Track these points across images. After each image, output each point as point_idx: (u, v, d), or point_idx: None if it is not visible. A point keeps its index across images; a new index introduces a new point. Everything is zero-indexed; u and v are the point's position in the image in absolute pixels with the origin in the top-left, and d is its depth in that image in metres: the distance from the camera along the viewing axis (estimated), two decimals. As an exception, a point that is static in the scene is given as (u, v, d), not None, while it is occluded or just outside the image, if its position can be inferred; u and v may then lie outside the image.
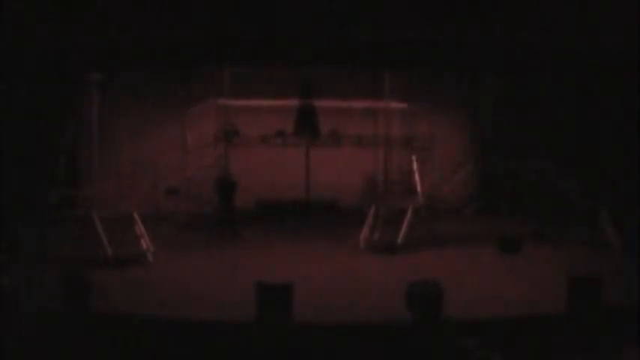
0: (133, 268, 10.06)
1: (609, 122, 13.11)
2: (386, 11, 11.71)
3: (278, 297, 7.07)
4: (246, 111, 14.18)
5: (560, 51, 12.44)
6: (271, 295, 7.08)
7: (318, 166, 13.86)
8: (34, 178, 12.66)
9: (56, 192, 11.58)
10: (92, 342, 6.88)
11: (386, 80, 14.15)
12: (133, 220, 10.92)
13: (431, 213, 12.98)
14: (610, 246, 11.40)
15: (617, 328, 7.03)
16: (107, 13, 11.33)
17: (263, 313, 7.01)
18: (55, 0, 10.75)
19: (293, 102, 13.32)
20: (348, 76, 14.36)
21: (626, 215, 11.56)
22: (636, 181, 12.01)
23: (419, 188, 13.02)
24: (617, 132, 12.93)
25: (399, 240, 11.52)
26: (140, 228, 10.88)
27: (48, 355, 6.70)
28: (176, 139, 14.57)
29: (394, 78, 14.17)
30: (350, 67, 14.10)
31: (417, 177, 13.24)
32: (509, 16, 11.76)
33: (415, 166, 13.38)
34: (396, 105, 14.32)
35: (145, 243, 10.76)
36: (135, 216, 10.97)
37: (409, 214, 11.78)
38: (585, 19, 11.30)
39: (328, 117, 13.63)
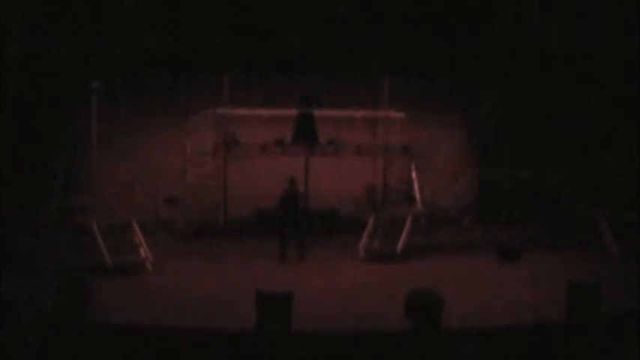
0: (131, 276, 10.04)
1: (608, 129, 13.14)
2: (385, 20, 11.77)
3: (277, 306, 7.04)
4: (246, 120, 14.18)
5: (557, 58, 12.50)
6: (271, 303, 7.06)
7: (318, 174, 13.85)
8: (34, 187, 12.66)
9: (55, 200, 11.57)
10: (91, 351, 6.85)
11: (385, 89, 14.18)
12: (131, 229, 10.91)
13: (430, 221, 12.97)
14: (610, 253, 11.39)
15: (618, 335, 7.01)
16: (107, 21, 11.39)
17: (262, 322, 6.99)
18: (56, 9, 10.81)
19: (292, 111, 13.34)
20: (347, 85, 14.39)
21: (625, 222, 11.56)
22: (635, 188, 12.02)
23: (418, 197, 13.02)
24: (616, 139, 12.96)
25: (399, 248, 11.51)
26: (139, 236, 10.87)
27: (46, 364, 6.67)
28: (175, 147, 14.57)
29: (393, 87, 14.21)
30: (349, 76, 14.15)
31: (416, 186, 13.25)
32: (508, 24, 11.82)
33: (414, 174, 13.39)
34: (395, 114, 14.33)
35: (143, 251, 10.75)
36: (134, 224, 10.95)
37: (408, 223, 11.78)
38: (582, 27, 11.36)
39: (327, 126, 13.64)
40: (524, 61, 13.03)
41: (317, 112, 13.33)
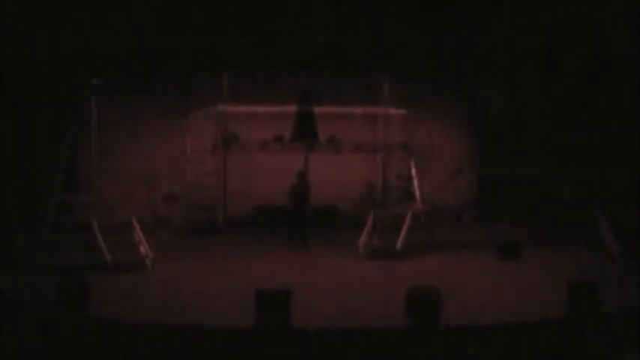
0: (131, 274, 10.05)
1: (608, 127, 13.13)
2: (385, 17, 11.77)
3: (277, 303, 7.06)
4: (245, 117, 14.18)
5: (556, 55, 12.49)
6: (270, 300, 7.07)
7: (317, 171, 13.87)
8: (33, 185, 12.66)
9: (55, 198, 11.56)
10: (91, 349, 6.86)
11: (385, 86, 14.18)
12: (131, 227, 10.91)
13: (430, 219, 12.98)
14: (610, 252, 11.40)
15: (617, 333, 7.02)
16: (107, 19, 11.38)
17: (262, 319, 7.00)
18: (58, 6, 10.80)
19: (292, 108, 13.34)
20: (347, 83, 14.39)
21: (624, 220, 11.56)
22: (635, 186, 12.01)
23: (418, 194, 13.03)
24: (615, 137, 12.95)
25: (398, 246, 11.52)
26: (139, 234, 10.87)
27: (46, 362, 6.68)
28: (175, 145, 14.57)
29: (393, 84, 14.20)
30: (349, 73, 14.15)
31: (415, 183, 13.26)
32: (508, 22, 11.81)
33: (414, 172, 13.39)
34: (395, 111, 14.34)
35: (143, 249, 10.75)
36: (133, 222, 10.96)
37: (408, 220, 11.78)
38: (581, 25, 11.35)
39: (327, 123, 13.64)
40: (524, 59, 13.03)
41: (317, 109, 13.33)
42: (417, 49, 12.59)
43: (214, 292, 8.96)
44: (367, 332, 7.17)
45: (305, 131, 13.17)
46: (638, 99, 11.90)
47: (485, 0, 11.92)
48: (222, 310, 7.96)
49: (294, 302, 7.10)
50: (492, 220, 14.44)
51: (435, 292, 7.18)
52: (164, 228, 13.78)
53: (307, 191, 12.73)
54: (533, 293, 8.89)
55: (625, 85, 12.14)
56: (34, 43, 11.57)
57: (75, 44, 11.80)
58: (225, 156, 14.60)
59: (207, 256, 11.60)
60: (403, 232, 11.61)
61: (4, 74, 11.67)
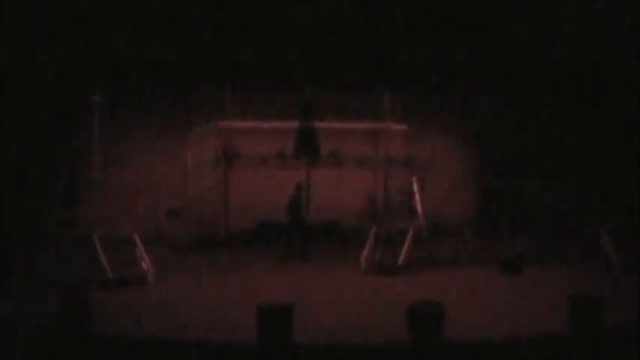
0: (133, 289, 10.03)
1: (609, 142, 13.15)
2: (386, 33, 11.84)
3: (279, 318, 7.04)
4: (247, 132, 14.21)
5: (557, 70, 12.54)
6: (272, 316, 7.06)
7: (319, 186, 13.86)
8: (35, 199, 12.68)
9: (57, 213, 11.59)
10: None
11: (386, 102, 14.22)
12: (133, 242, 10.91)
13: (432, 234, 12.96)
14: (611, 266, 11.37)
15: (618, 348, 7.00)
16: (108, 34, 11.46)
17: (264, 334, 6.98)
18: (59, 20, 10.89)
19: (294, 123, 13.37)
20: (349, 98, 14.43)
21: (626, 235, 11.54)
22: (635, 199, 12.02)
23: (419, 209, 13.01)
24: (617, 151, 12.97)
25: (400, 261, 11.50)
26: (140, 249, 10.86)
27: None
28: (177, 160, 14.59)
29: (394, 99, 14.24)
30: (350, 88, 14.20)
31: (417, 198, 13.24)
32: (509, 37, 11.89)
33: (415, 187, 13.39)
34: (396, 126, 14.36)
35: (145, 264, 10.74)
36: (135, 237, 10.95)
37: (410, 235, 11.77)
38: (579, 41, 11.42)
39: (329, 138, 13.67)
40: (524, 73, 13.09)
41: (318, 124, 13.36)
42: (419, 64, 12.66)
43: (216, 307, 8.94)
44: (369, 347, 7.15)
45: (306, 146, 13.19)
46: (636, 110, 11.95)
47: (485, 15, 12.00)
48: (223, 325, 7.94)
49: (296, 317, 7.09)
50: (494, 234, 14.41)
51: (437, 307, 7.19)
52: (165, 243, 13.76)
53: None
54: (534, 308, 8.86)
55: (624, 95, 12.19)
56: (37, 58, 11.64)
57: (77, 59, 11.88)
58: (226, 171, 14.61)
59: (209, 271, 11.58)
60: (405, 247, 11.60)
61: (7, 89, 11.75)
